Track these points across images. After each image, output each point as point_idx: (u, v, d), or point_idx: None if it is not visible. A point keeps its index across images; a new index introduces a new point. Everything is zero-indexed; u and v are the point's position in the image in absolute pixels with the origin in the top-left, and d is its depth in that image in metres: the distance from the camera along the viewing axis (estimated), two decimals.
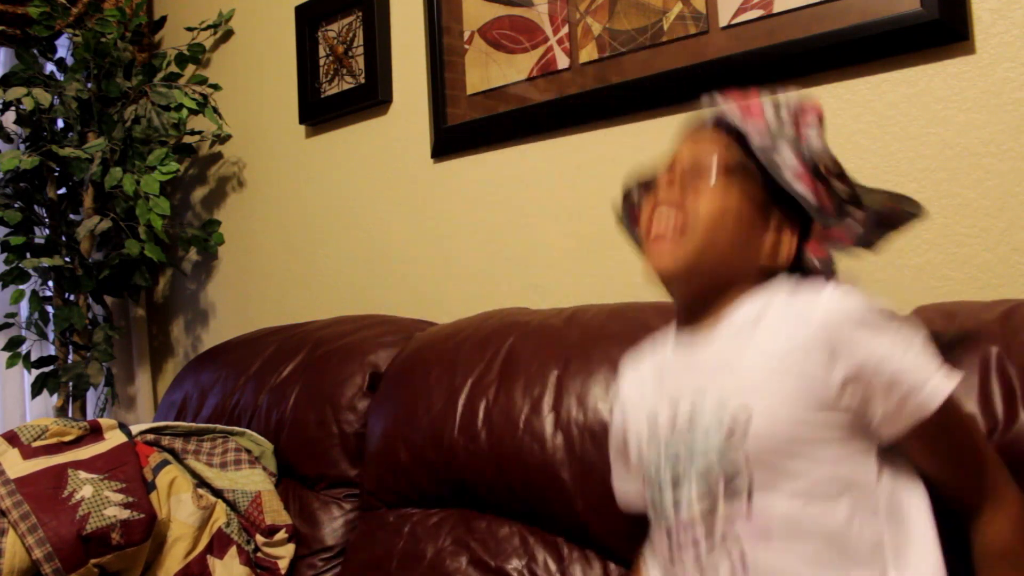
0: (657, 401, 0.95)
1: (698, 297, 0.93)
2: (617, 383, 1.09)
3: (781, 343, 0.85)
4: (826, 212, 0.90)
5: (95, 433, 1.50)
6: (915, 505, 0.82)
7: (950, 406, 0.81)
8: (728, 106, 0.92)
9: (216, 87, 2.30)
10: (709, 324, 0.93)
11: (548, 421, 1.26)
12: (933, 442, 0.82)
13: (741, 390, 0.85)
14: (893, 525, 0.81)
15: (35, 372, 2.17)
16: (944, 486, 0.84)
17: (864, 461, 0.82)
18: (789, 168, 0.89)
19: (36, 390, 2.13)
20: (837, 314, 0.82)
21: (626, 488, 1.07)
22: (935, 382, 0.80)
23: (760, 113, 0.90)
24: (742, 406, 0.84)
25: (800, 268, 0.96)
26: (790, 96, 0.93)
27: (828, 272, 0.97)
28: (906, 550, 0.80)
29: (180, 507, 1.46)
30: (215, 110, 2.24)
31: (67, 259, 2.16)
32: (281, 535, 1.52)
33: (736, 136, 0.92)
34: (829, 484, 0.80)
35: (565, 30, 1.63)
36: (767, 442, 0.82)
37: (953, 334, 1.03)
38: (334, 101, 2.06)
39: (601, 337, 1.29)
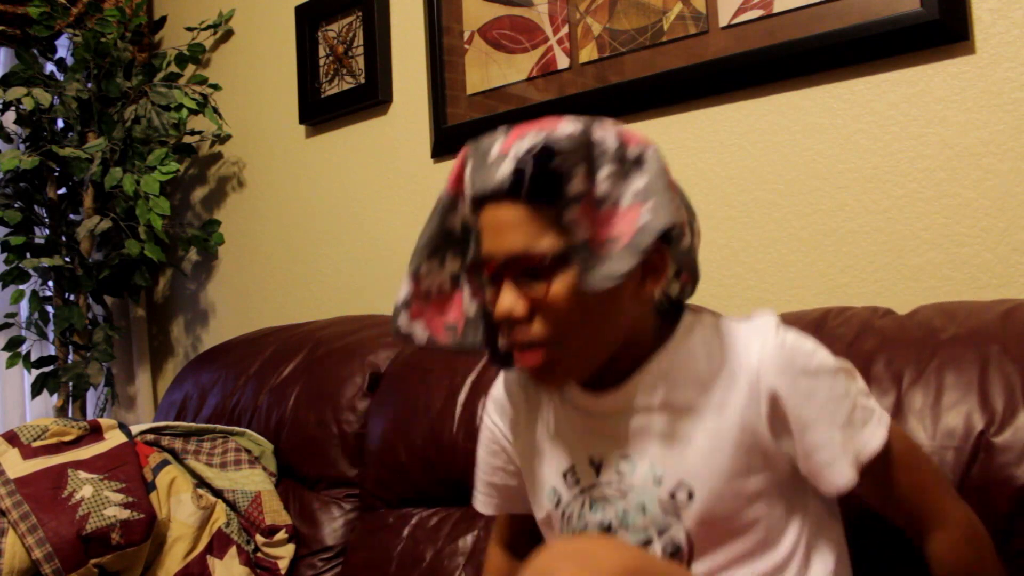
0: (564, 455, 0.87)
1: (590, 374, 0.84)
2: (492, 413, 1.00)
3: (716, 411, 0.80)
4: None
5: (95, 433, 1.50)
6: (832, 540, 0.84)
7: (889, 448, 0.81)
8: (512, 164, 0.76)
9: (216, 87, 2.30)
10: (610, 383, 0.84)
11: None
12: (880, 480, 0.82)
13: (677, 467, 0.81)
14: (813, 553, 0.83)
15: (35, 372, 2.17)
16: (895, 515, 0.84)
17: (799, 506, 0.83)
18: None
19: (36, 390, 2.13)
20: (774, 364, 0.79)
21: (497, 494, 1.01)
22: (869, 430, 0.80)
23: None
24: (680, 484, 0.80)
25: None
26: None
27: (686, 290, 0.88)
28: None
29: (180, 507, 1.46)
30: (215, 110, 2.24)
31: (67, 259, 2.16)
32: (281, 535, 1.52)
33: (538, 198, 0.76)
34: (766, 537, 0.81)
35: (565, 30, 1.63)
36: (709, 518, 0.80)
37: (953, 332, 1.03)
38: (334, 101, 2.06)
39: None
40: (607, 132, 0.78)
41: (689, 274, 0.87)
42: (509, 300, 0.77)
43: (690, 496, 0.80)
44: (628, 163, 0.77)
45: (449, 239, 0.85)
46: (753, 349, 0.80)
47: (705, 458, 0.80)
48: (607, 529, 0.84)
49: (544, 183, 0.74)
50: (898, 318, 1.11)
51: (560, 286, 0.76)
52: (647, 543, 0.81)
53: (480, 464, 1.03)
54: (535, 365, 0.79)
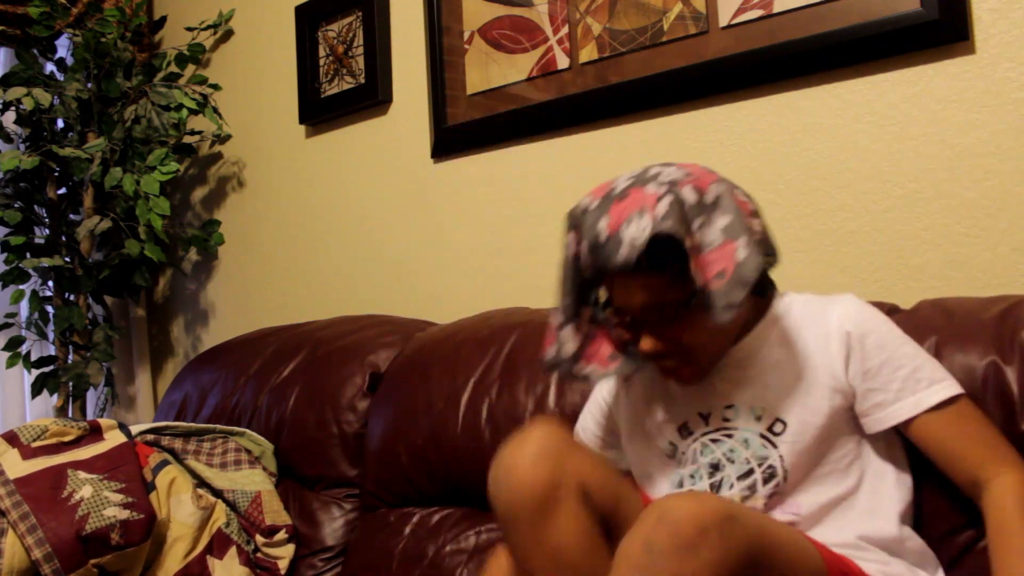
0: (678, 412, 1.05)
1: None
2: (603, 390, 1.18)
3: (803, 355, 0.98)
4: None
5: (95, 433, 1.50)
6: (889, 471, 0.99)
7: (956, 407, 0.95)
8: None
9: (216, 87, 2.30)
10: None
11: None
12: (952, 424, 0.94)
13: (774, 406, 0.98)
14: (875, 483, 0.98)
15: (35, 372, 2.17)
16: (960, 462, 0.94)
17: (864, 441, 0.99)
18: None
19: (36, 390, 2.13)
20: (851, 317, 0.98)
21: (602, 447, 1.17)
22: (935, 389, 0.96)
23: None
24: (776, 419, 0.98)
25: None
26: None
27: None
28: (881, 499, 0.98)
29: (180, 507, 1.46)
30: (215, 110, 2.24)
31: (67, 259, 2.16)
32: (281, 535, 1.52)
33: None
34: (844, 463, 0.97)
35: (565, 30, 1.63)
36: (800, 447, 0.96)
37: (952, 329, 1.03)
38: (334, 101, 2.06)
39: None
40: (686, 188, 0.91)
41: (771, 254, 1.00)
42: (650, 343, 0.95)
43: (784, 427, 0.97)
44: (709, 207, 0.92)
45: (582, 290, 1.01)
46: (835, 310, 0.99)
47: (794, 396, 0.97)
48: (715, 467, 1.00)
49: (658, 260, 0.90)
50: (898, 315, 1.11)
51: (692, 330, 0.95)
52: (749, 473, 0.98)
53: (586, 416, 1.20)
54: (687, 378, 1.00)
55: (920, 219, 1.26)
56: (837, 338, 0.97)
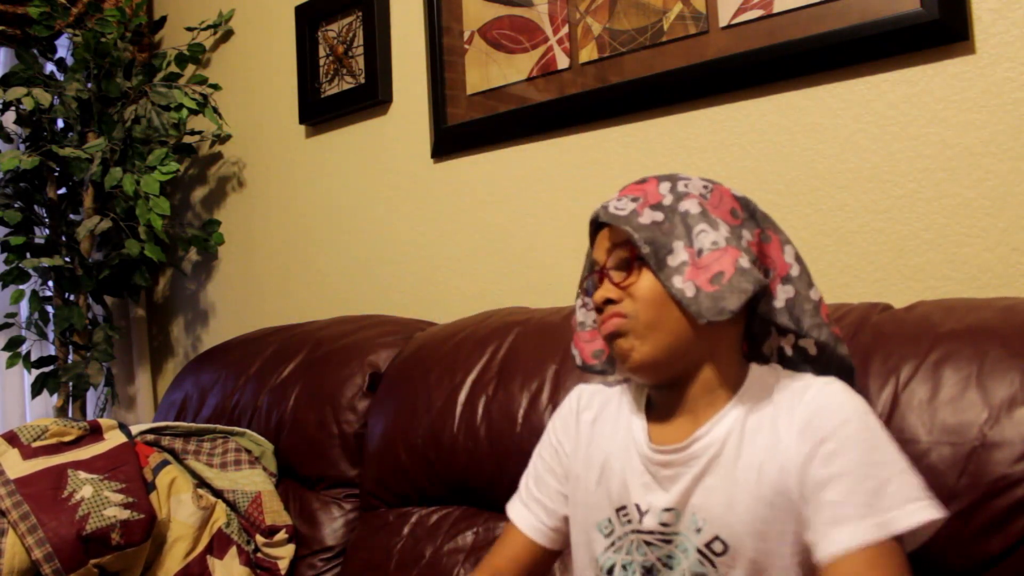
0: (621, 493, 0.93)
1: (665, 383, 0.92)
2: (573, 406, 1.04)
3: (762, 456, 0.84)
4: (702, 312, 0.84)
5: (95, 433, 1.50)
6: None
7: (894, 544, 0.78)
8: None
9: (216, 87, 2.30)
10: (683, 413, 0.90)
11: (546, 415, 1.27)
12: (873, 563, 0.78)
13: (717, 520, 0.85)
14: None
15: (35, 372, 2.17)
16: None
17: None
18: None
19: (36, 390, 2.13)
20: (820, 411, 0.82)
21: (534, 511, 1.03)
22: (910, 508, 0.78)
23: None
24: (716, 536, 0.85)
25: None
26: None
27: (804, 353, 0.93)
28: None
29: (180, 507, 1.46)
30: (215, 110, 2.24)
31: (67, 259, 2.16)
32: (281, 535, 1.52)
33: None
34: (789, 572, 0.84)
35: (565, 30, 1.63)
36: (748, 568, 0.83)
37: (951, 327, 1.03)
38: (334, 101, 2.06)
39: None
40: (690, 200, 0.89)
41: (787, 333, 0.92)
42: (604, 291, 0.91)
43: (725, 549, 0.84)
44: (712, 220, 0.87)
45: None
46: (806, 397, 0.84)
47: (740, 514, 0.84)
48: (649, 571, 0.89)
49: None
50: (896, 313, 1.10)
51: (645, 287, 0.88)
52: None
53: (532, 472, 1.07)
54: (633, 360, 0.89)
55: (920, 219, 1.26)
56: (799, 436, 0.82)
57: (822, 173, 1.35)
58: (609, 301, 0.90)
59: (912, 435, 0.96)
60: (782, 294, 0.89)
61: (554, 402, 1.28)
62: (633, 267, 0.89)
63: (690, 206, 0.88)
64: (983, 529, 0.91)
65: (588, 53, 1.59)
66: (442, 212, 1.87)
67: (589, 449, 0.98)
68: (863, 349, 1.05)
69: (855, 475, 0.79)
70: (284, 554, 1.52)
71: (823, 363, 0.92)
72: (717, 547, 0.85)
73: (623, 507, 0.92)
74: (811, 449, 0.81)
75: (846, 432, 0.81)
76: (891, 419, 0.98)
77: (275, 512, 1.54)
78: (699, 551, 0.85)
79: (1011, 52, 1.18)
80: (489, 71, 1.75)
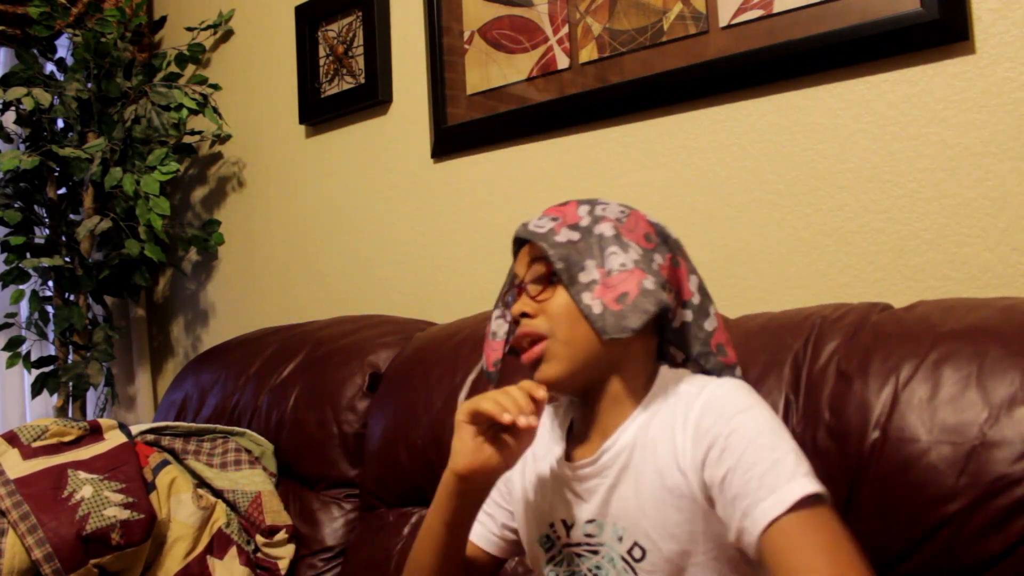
0: (550, 511, 0.97)
1: (574, 395, 0.97)
2: None
3: (661, 471, 0.87)
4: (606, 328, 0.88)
5: (95, 433, 1.50)
6: None
7: (811, 509, 0.79)
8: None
9: (216, 87, 2.30)
10: (596, 427, 0.94)
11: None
12: (797, 536, 0.78)
13: (634, 527, 0.89)
14: None
15: (35, 372, 2.17)
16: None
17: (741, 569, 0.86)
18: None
19: (36, 390, 2.13)
20: (710, 411, 0.85)
21: (491, 529, 1.07)
22: (797, 483, 0.79)
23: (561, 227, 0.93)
24: (635, 543, 0.89)
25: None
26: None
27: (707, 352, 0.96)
28: None
29: (180, 507, 1.46)
30: (215, 110, 2.24)
31: (67, 259, 2.16)
32: (281, 535, 1.52)
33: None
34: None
35: (565, 30, 1.63)
36: (668, 570, 0.87)
37: (951, 327, 1.03)
38: (334, 101, 2.06)
39: None
40: (606, 224, 0.93)
41: (682, 348, 0.96)
42: (520, 304, 0.94)
43: (643, 554, 0.88)
44: (624, 244, 0.92)
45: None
46: (699, 402, 0.87)
47: (651, 519, 0.87)
48: None
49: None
50: (896, 313, 1.10)
51: (560, 303, 0.91)
52: None
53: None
54: (544, 369, 0.92)
55: (920, 219, 1.26)
56: (692, 441, 0.85)
57: (822, 173, 1.35)
58: (525, 315, 0.93)
59: (912, 434, 0.96)
60: (680, 318, 0.95)
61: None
62: (549, 283, 0.93)
63: (605, 229, 0.93)
64: (983, 529, 0.91)
65: (588, 53, 1.59)
66: (442, 212, 1.87)
67: (524, 470, 1.03)
68: (863, 349, 1.05)
69: (745, 463, 0.81)
70: (284, 554, 1.52)
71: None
72: (636, 553, 0.89)
73: (552, 523, 0.98)
74: (704, 453, 0.84)
75: (731, 428, 0.83)
76: (891, 418, 0.98)
77: (275, 512, 1.54)
78: (623, 559, 0.90)
79: (1011, 52, 1.18)
80: (489, 71, 1.75)
